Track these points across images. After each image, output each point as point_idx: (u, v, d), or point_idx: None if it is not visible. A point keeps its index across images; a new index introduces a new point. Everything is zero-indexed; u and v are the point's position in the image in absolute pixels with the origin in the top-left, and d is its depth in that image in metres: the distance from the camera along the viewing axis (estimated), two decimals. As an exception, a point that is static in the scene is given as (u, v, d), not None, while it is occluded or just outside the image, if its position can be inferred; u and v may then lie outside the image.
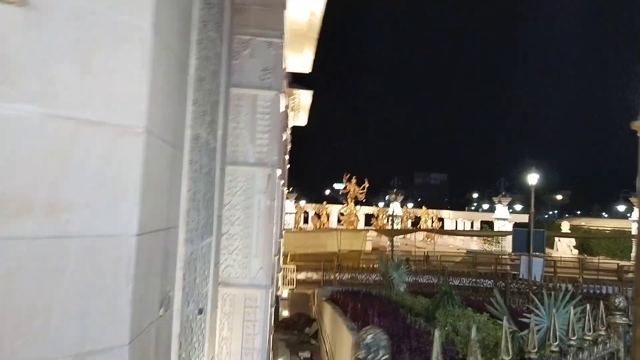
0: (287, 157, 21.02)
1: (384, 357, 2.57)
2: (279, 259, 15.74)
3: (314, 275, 28.63)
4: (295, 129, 27.39)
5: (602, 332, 4.52)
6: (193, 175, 4.00)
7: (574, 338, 4.19)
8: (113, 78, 2.25)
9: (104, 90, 2.23)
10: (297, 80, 19.47)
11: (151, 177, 2.49)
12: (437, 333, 2.98)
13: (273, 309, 11.50)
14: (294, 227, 47.89)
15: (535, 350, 3.75)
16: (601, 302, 4.61)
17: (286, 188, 23.15)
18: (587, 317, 4.35)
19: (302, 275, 28.73)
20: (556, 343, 4.03)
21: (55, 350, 2.12)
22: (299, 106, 22.99)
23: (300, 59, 13.72)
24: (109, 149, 2.25)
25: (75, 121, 2.17)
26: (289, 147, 23.61)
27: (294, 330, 18.37)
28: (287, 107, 17.06)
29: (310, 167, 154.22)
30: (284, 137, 14.61)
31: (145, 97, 2.34)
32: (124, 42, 2.28)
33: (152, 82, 2.38)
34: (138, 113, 2.32)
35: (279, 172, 7.66)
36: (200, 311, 4.80)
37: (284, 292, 23.52)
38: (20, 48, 2.06)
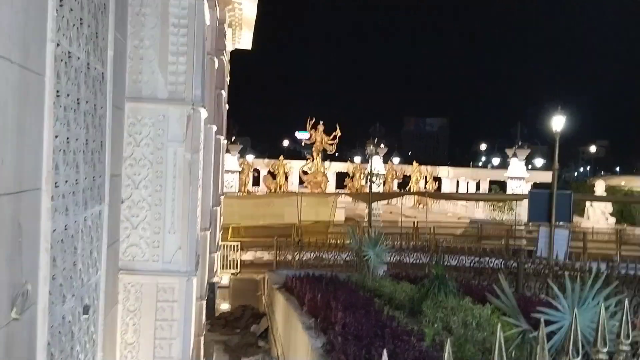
0: (224, 92, 15.99)
1: None
2: (213, 233, 13.17)
3: (265, 255, 23.58)
4: (238, 54, 21.79)
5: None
6: (64, 113, 3.11)
7: (604, 349, 2.66)
8: None
9: None
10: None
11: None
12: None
13: (204, 302, 9.65)
14: (239, 191, 38.70)
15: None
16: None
17: (224, 137, 17.58)
18: (624, 312, 2.77)
19: (249, 256, 24.05)
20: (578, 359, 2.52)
21: None
22: (241, 21, 17.84)
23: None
24: None
25: None
26: (226, 78, 18.62)
27: (236, 328, 15.82)
28: (220, 20, 13.34)
29: (263, 109, 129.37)
30: (216, 64, 11.90)
31: None
32: None
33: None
34: None
35: (204, 112, 5.90)
36: (86, 309, 3.68)
37: (224, 279, 19.86)
38: None
